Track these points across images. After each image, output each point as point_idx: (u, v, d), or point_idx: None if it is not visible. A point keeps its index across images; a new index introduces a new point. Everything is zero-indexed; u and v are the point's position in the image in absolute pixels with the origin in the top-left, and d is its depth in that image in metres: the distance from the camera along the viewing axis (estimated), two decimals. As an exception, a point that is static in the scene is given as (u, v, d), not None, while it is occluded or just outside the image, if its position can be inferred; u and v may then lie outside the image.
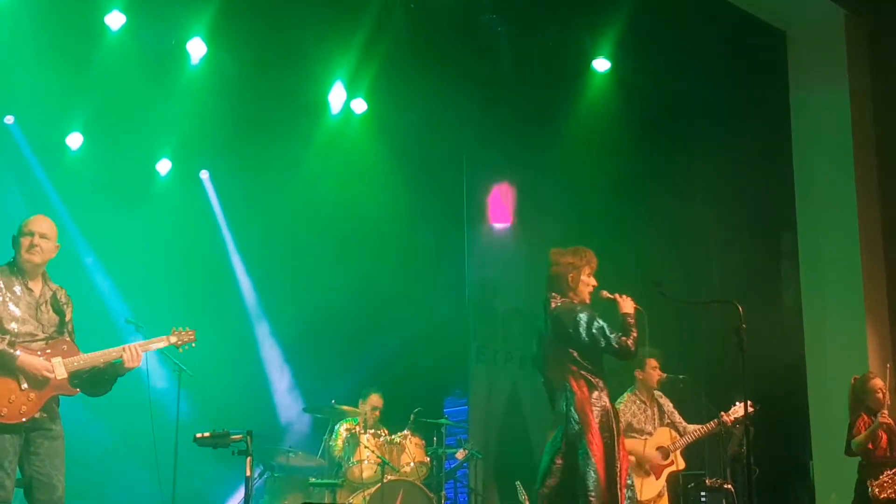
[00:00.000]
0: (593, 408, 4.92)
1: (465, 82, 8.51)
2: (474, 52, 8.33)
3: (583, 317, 4.97)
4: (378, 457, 7.03)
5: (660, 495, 6.55)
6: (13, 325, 4.53)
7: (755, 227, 8.70)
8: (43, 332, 4.61)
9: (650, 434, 6.69)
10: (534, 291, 9.30)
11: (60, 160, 8.42)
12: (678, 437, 6.67)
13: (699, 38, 8.03)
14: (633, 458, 6.17)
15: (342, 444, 7.33)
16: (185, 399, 6.71)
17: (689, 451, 6.94)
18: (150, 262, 8.58)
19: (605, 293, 5.14)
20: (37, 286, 4.67)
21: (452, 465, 8.10)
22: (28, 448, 4.50)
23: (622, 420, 6.02)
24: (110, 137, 8.39)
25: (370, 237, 8.88)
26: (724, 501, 6.80)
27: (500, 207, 9.49)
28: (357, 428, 7.32)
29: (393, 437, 7.30)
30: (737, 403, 6.50)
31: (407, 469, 7.20)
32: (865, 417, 6.61)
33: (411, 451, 7.27)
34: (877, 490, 6.37)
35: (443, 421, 7.84)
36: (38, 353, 4.55)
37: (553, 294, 5.12)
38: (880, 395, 6.62)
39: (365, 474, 7.14)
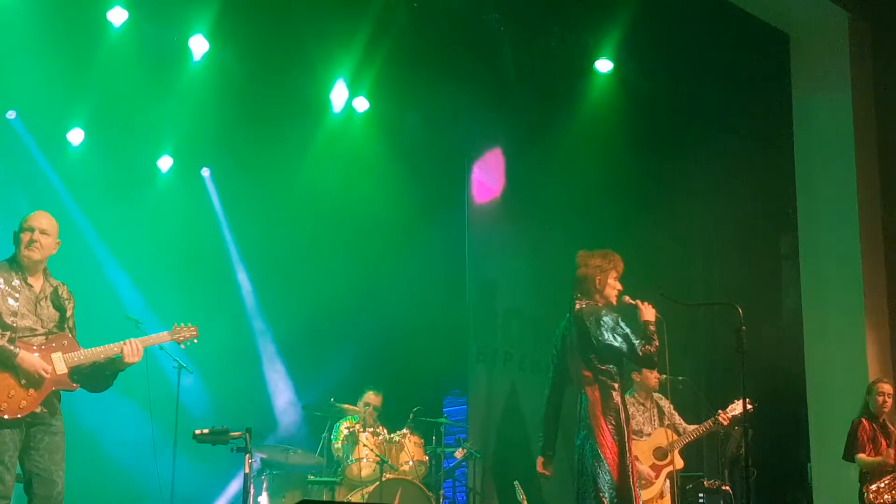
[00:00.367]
0: (606, 411, 4.97)
1: (467, 82, 8.50)
2: (476, 52, 8.32)
3: (607, 320, 5.00)
4: (377, 455, 7.04)
5: (661, 495, 6.55)
6: (12, 320, 4.53)
7: (756, 229, 8.70)
8: (42, 327, 4.62)
9: (648, 435, 6.69)
10: (534, 292, 9.38)
11: (62, 156, 8.41)
12: (676, 437, 6.67)
13: (702, 41, 8.03)
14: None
15: (341, 443, 7.33)
16: (184, 395, 6.72)
17: (688, 453, 6.94)
18: (151, 260, 8.57)
19: (628, 298, 5.16)
20: (37, 282, 4.68)
21: (451, 464, 8.10)
22: (28, 443, 4.51)
23: None
24: (112, 134, 8.38)
25: (371, 236, 8.87)
26: (722, 503, 6.80)
27: (483, 182, 9.43)
28: (356, 426, 7.32)
29: (392, 435, 7.30)
30: (734, 402, 6.49)
31: (406, 468, 7.20)
32: (866, 424, 6.60)
33: (410, 450, 7.27)
34: (872, 496, 6.38)
35: (442, 420, 7.84)
36: (40, 347, 4.55)
37: (578, 296, 5.15)
38: (881, 399, 6.62)
39: (364, 472, 7.14)
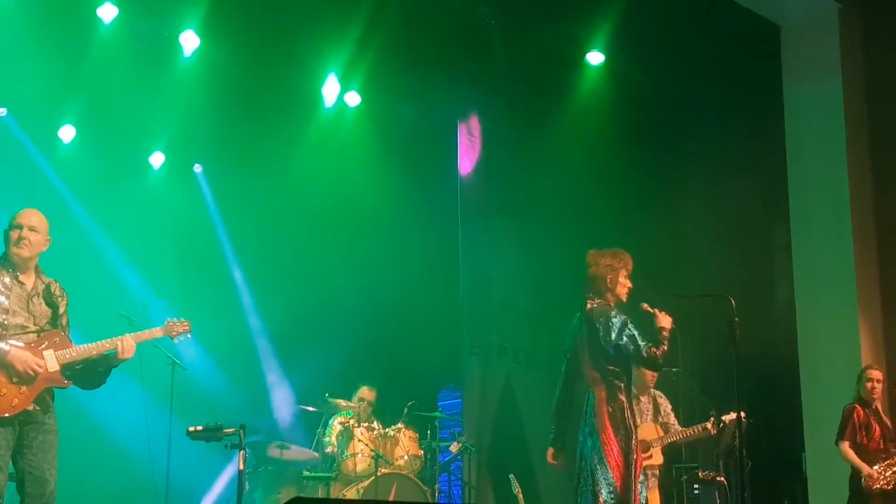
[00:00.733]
0: (611, 411, 5.03)
1: (458, 75, 8.50)
2: (468, 46, 8.31)
3: (615, 321, 5.06)
4: (372, 450, 7.04)
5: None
6: (3, 317, 4.51)
7: (748, 221, 8.71)
8: (35, 325, 4.60)
9: (636, 427, 6.66)
10: (528, 285, 9.39)
11: (53, 153, 8.39)
12: (664, 434, 6.68)
13: (693, 32, 8.03)
14: None
15: (336, 438, 7.33)
16: (177, 392, 6.70)
17: (683, 444, 6.94)
18: (144, 257, 8.56)
19: (646, 306, 5.20)
20: (28, 279, 4.66)
21: (446, 458, 8.10)
22: (21, 442, 4.49)
23: None
24: (103, 130, 8.35)
25: (364, 230, 8.87)
26: (716, 494, 6.81)
27: (466, 152, 9.40)
28: (351, 421, 7.32)
29: (387, 430, 7.31)
30: (730, 413, 6.45)
31: (401, 462, 7.21)
32: (860, 410, 6.64)
33: (405, 445, 7.28)
34: (870, 481, 6.42)
35: (437, 414, 7.84)
36: (31, 344, 4.54)
37: (590, 295, 5.21)
38: (870, 385, 6.67)
39: (359, 467, 7.14)
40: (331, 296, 8.77)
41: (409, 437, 7.36)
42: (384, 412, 7.58)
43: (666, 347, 5.06)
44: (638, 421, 6.66)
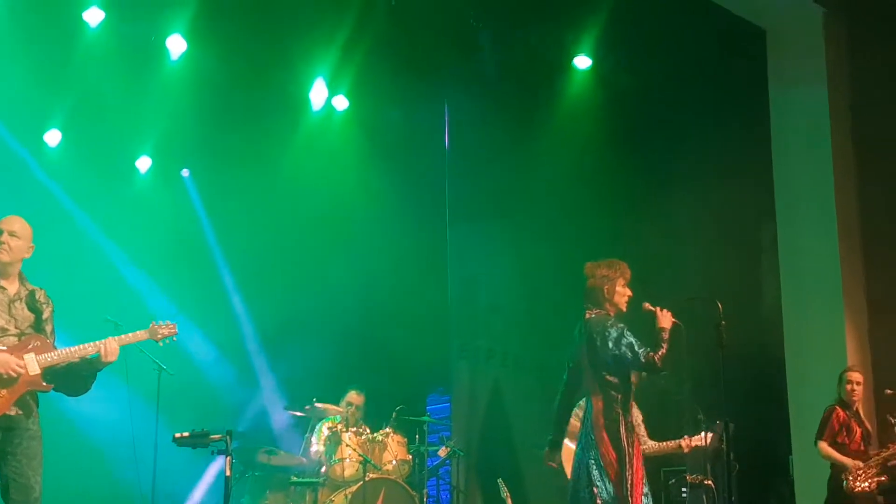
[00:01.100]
0: (608, 422, 5.04)
1: (446, 79, 8.50)
2: (456, 49, 8.32)
3: (612, 332, 5.08)
4: (360, 455, 7.02)
5: None
6: (-18, 321, 4.49)
7: (735, 223, 8.72)
8: (16, 328, 4.58)
9: None
10: (515, 288, 9.39)
11: (39, 158, 8.35)
12: None
13: (679, 36, 8.05)
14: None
15: (324, 443, 7.31)
16: (164, 397, 6.68)
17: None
18: (131, 261, 8.53)
19: (648, 305, 5.22)
20: (11, 285, 4.64)
21: (435, 463, 8.09)
22: (5, 448, 4.46)
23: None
24: (89, 134, 8.34)
25: (352, 234, 8.86)
26: (704, 497, 6.82)
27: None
28: (339, 426, 7.30)
29: (375, 434, 7.29)
30: (703, 433, 6.40)
31: (389, 467, 7.19)
32: (839, 411, 6.66)
33: (393, 449, 7.26)
34: (856, 474, 6.43)
35: (425, 418, 7.82)
36: (11, 347, 4.51)
37: (589, 306, 5.25)
38: (850, 387, 6.69)
39: (347, 473, 7.12)
40: (319, 300, 8.77)
41: (398, 441, 7.34)
42: (372, 417, 7.56)
43: (665, 349, 5.06)
44: (642, 431, 6.66)
